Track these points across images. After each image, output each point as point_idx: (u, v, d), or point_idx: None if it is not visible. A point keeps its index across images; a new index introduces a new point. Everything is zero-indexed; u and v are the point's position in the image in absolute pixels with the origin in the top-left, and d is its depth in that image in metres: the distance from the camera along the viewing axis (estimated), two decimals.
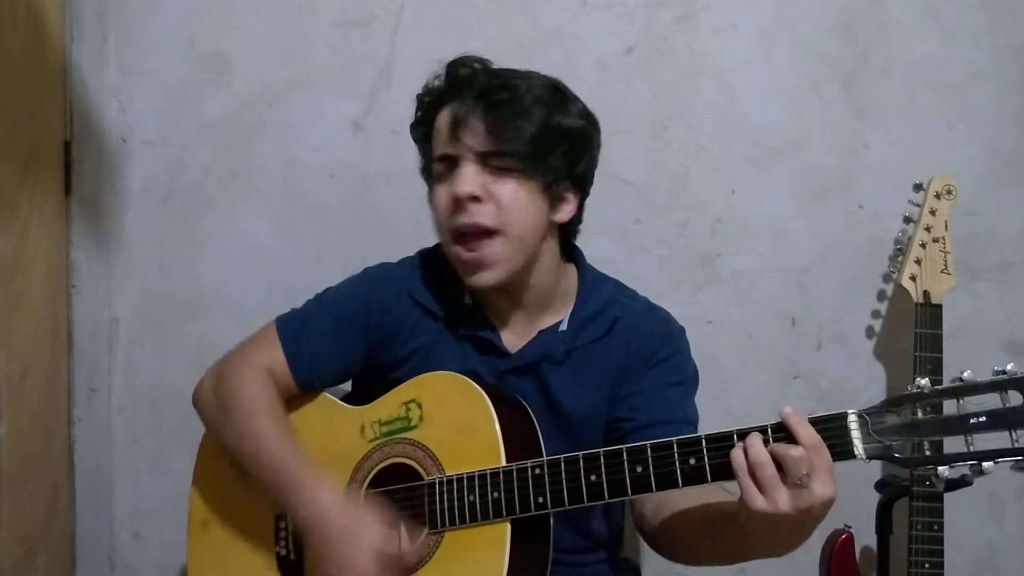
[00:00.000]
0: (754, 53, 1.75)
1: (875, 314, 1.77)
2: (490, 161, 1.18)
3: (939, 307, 1.59)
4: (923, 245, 1.60)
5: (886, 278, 1.74)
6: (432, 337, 1.29)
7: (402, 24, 1.75)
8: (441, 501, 1.15)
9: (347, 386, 1.40)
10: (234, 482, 1.31)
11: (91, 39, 1.72)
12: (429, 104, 1.25)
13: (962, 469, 0.92)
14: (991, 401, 0.91)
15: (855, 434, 0.94)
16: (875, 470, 1.77)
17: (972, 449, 0.90)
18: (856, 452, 0.94)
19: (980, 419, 0.90)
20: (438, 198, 1.22)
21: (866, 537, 1.69)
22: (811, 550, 1.74)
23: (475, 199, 1.17)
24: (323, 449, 1.25)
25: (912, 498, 1.57)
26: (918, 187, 1.62)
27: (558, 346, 1.27)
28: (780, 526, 0.96)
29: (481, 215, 1.18)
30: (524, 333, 1.29)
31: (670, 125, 1.75)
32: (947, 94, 1.75)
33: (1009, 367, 0.90)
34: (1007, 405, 0.89)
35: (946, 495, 1.56)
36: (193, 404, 1.36)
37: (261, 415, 1.25)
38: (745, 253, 1.77)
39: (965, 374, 0.92)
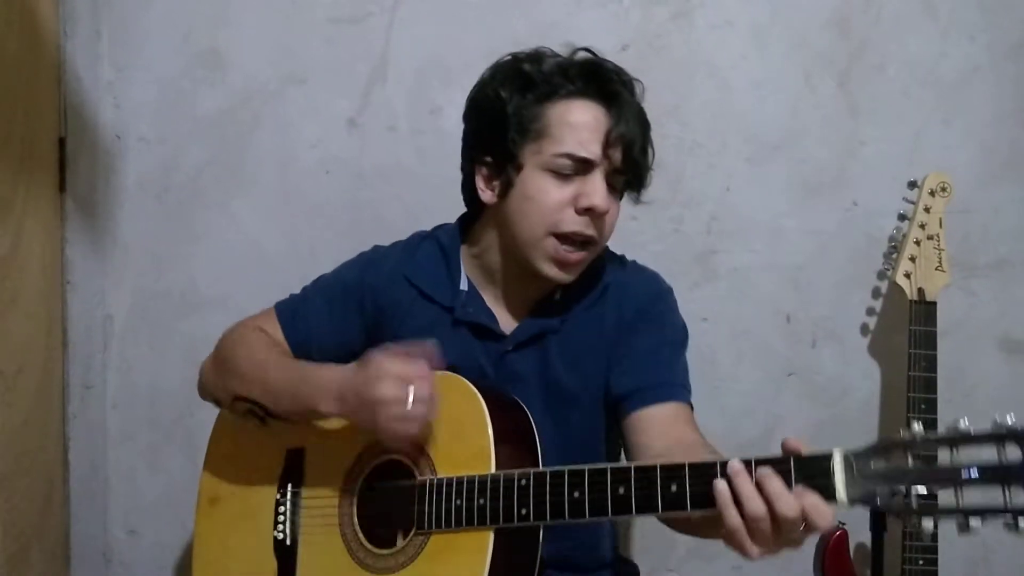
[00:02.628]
0: (749, 50, 1.75)
1: (870, 311, 1.78)
2: (614, 179, 1.22)
3: (934, 304, 1.59)
4: (918, 242, 1.60)
5: (881, 275, 1.74)
6: (428, 320, 1.29)
7: (397, 20, 1.74)
8: (429, 502, 1.14)
9: None
10: (244, 459, 1.33)
11: (85, 35, 1.71)
12: (563, 89, 1.21)
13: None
14: (987, 453, 0.84)
15: (839, 477, 0.90)
16: None
17: (961, 502, 0.85)
18: (838, 495, 0.90)
19: (972, 473, 0.84)
20: (552, 194, 1.19)
21: (860, 534, 1.69)
22: (805, 548, 1.74)
23: (604, 215, 1.21)
24: (324, 439, 1.26)
25: None
26: (913, 184, 1.62)
27: (553, 316, 1.28)
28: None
29: (598, 229, 1.22)
30: (520, 310, 1.30)
31: (665, 122, 1.75)
32: (942, 91, 1.75)
33: (1010, 419, 0.83)
34: (1004, 460, 0.83)
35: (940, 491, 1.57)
36: (200, 393, 1.38)
37: (261, 351, 1.29)
38: (740, 250, 1.77)
39: (961, 423, 0.86)
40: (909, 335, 1.59)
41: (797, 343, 1.79)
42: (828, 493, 0.90)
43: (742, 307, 1.78)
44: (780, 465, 0.93)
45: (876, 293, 1.77)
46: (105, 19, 1.74)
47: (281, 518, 1.28)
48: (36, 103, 1.63)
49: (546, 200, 1.20)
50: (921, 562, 1.54)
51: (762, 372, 1.80)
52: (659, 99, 1.74)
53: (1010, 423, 0.84)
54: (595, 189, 1.19)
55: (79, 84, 1.71)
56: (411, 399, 1.10)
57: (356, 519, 1.22)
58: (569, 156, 1.18)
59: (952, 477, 0.85)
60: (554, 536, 1.16)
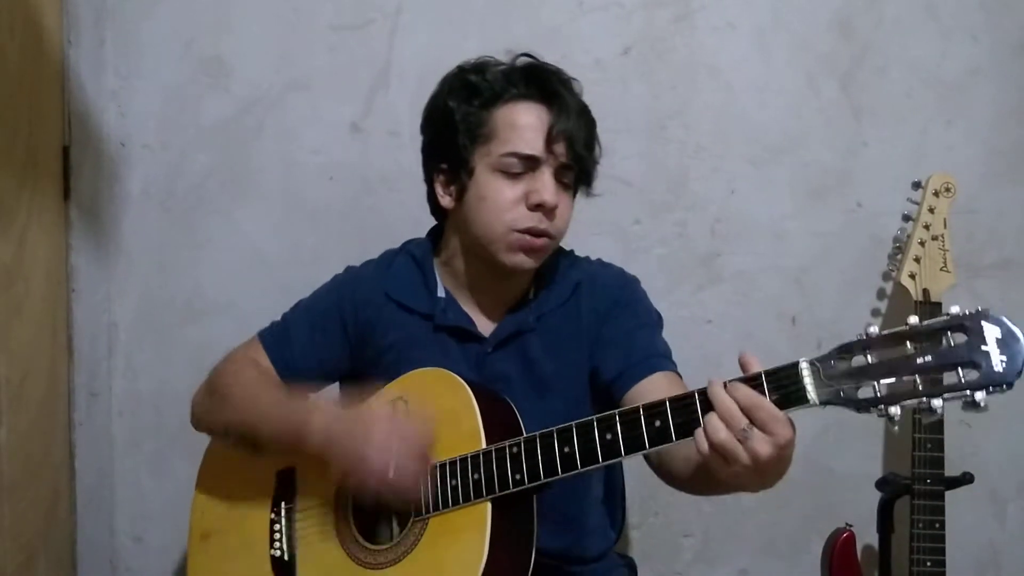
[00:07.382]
0: (751, 52, 1.75)
1: (875, 312, 1.77)
2: (563, 174, 1.27)
3: (939, 305, 1.59)
4: (922, 243, 1.60)
5: (886, 276, 1.74)
6: (408, 331, 1.33)
7: (399, 26, 1.75)
8: (425, 489, 1.17)
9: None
10: (234, 491, 1.34)
11: (89, 43, 1.72)
12: (507, 94, 1.27)
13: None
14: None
15: (807, 381, 0.96)
16: (876, 469, 1.77)
17: (920, 389, 0.92)
18: (809, 397, 0.96)
19: (927, 359, 0.91)
20: (504, 193, 1.25)
21: (867, 536, 1.69)
22: (812, 549, 1.74)
23: (554, 209, 1.26)
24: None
25: (913, 496, 1.57)
26: (917, 185, 1.62)
27: (528, 315, 1.33)
28: (735, 474, 0.99)
29: (550, 224, 1.26)
30: (497, 312, 1.35)
31: (668, 125, 1.75)
32: (945, 92, 1.75)
33: (953, 310, 0.91)
34: (951, 345, 0.91)
35: (947, 493, 1.57)
36: (194, 425, 1.41)
37: (254, 383, 1.32)
38: (745, 253, 1.77)
39: (911, 319, 0.93)
40: None
41: (802, 345, 1.78)
42: (800, 398, 0.97)
43: (747, 310, 1.78)
44: (752, 381, 0.99)
45: (881, 294, 1.77)
46: (109, 27, 1.74)
47: (277, 536, 1.30)
48: (40, 111, 1.64)
49: (498, 198, 1.25)
50: (929, 563, 1.54)
51: None
52: (662, 102, 1.76)
53: (952, 312, 0.91)
54: (544, 185, 1.24)
55: (83, 92, 1.71)
56: (398, 456, 1.14)
57: (352, 521, 1.23)
58: (515, 155, 1.25)
59: (909, 365, 0.92)
60: (554, 529, 1.19)
